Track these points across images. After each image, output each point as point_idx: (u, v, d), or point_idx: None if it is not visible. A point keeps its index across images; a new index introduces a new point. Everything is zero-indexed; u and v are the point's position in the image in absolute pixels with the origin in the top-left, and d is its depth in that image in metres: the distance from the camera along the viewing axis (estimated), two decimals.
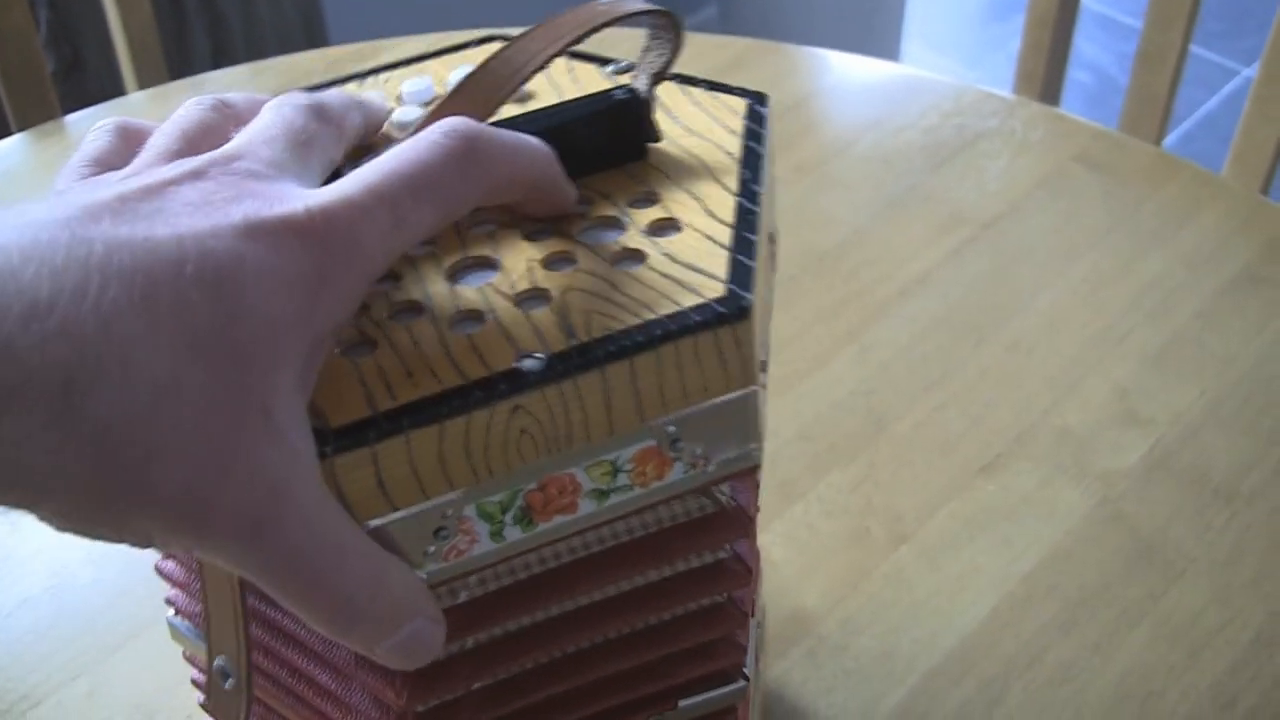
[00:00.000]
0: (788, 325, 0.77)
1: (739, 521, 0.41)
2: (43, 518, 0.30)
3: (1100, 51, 2.52)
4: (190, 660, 0.48)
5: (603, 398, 0.35)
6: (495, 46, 0.49)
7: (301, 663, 0.43)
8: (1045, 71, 1.15)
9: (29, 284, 0.28)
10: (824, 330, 0.78)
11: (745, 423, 0.38)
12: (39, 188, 0.94)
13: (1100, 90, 2.42)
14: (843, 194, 0.89)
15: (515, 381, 0.34)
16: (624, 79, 0.45)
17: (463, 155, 0.35)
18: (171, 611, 0.47)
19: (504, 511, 0.36)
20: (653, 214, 0.40)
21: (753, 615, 0.47)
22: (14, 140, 0.97)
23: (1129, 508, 0.68)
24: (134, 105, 1.02)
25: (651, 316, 0.36)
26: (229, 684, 0.43)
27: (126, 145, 0.38)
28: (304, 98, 0.39)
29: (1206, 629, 0.63)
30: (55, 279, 0.28)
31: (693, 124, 0.44)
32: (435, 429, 0.34)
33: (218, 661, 0.43)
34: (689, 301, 0.36)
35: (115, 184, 0.33)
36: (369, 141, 0.43)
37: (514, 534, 0.37)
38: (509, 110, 0.44)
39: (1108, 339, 0.77)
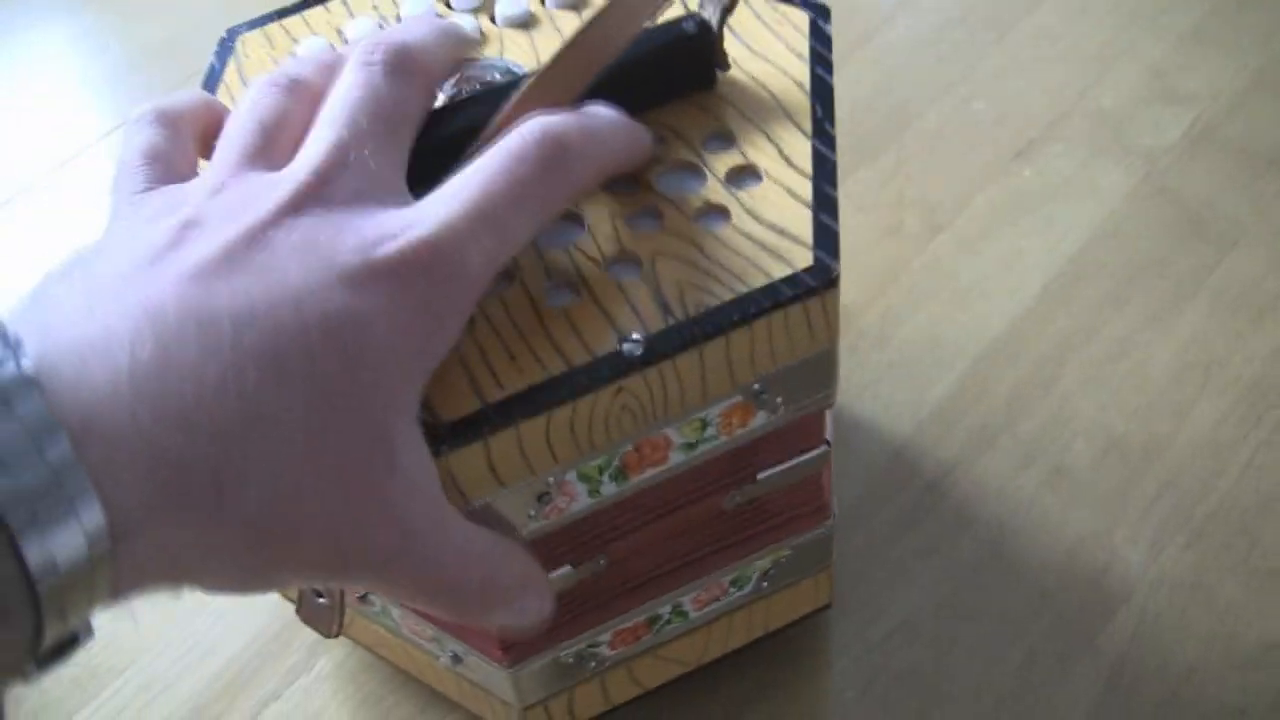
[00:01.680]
0: None
1: (812, 432, 0.42)
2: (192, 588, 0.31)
3: None
4: None
5: (699, 371, 0.36)
6: None
7: None
8: None
9: (174, 386, 0.28)
10: (837, 36, 0.73)
11: (825, 372, 0.39)
12: None
13: None
14: None
15: (617, 366, 0.35)
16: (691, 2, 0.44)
17: (558, 163, 0.34)
18: None
19: (602, 472, 0.37)
20: (730, 160, 0.40)
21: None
22: None
23: (1175, 182, 0.64)
24: None
25: (744, 289, 0.36)
26: (322, 600, 0.43)
27: (177, 135, 0.37)
28: (385, 51, 0.36)
29: (1268, 294, 0.59)
30: (197, 375, 0.28)
31: (758, 44, 0.43)
32: (543, 417, 0.35)
33: None
34: (779, 272, 0.36)
35: (213, 226, 0.32)
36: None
37: (610, 489, 0.38)
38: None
39: (1137, 21, 0.72)
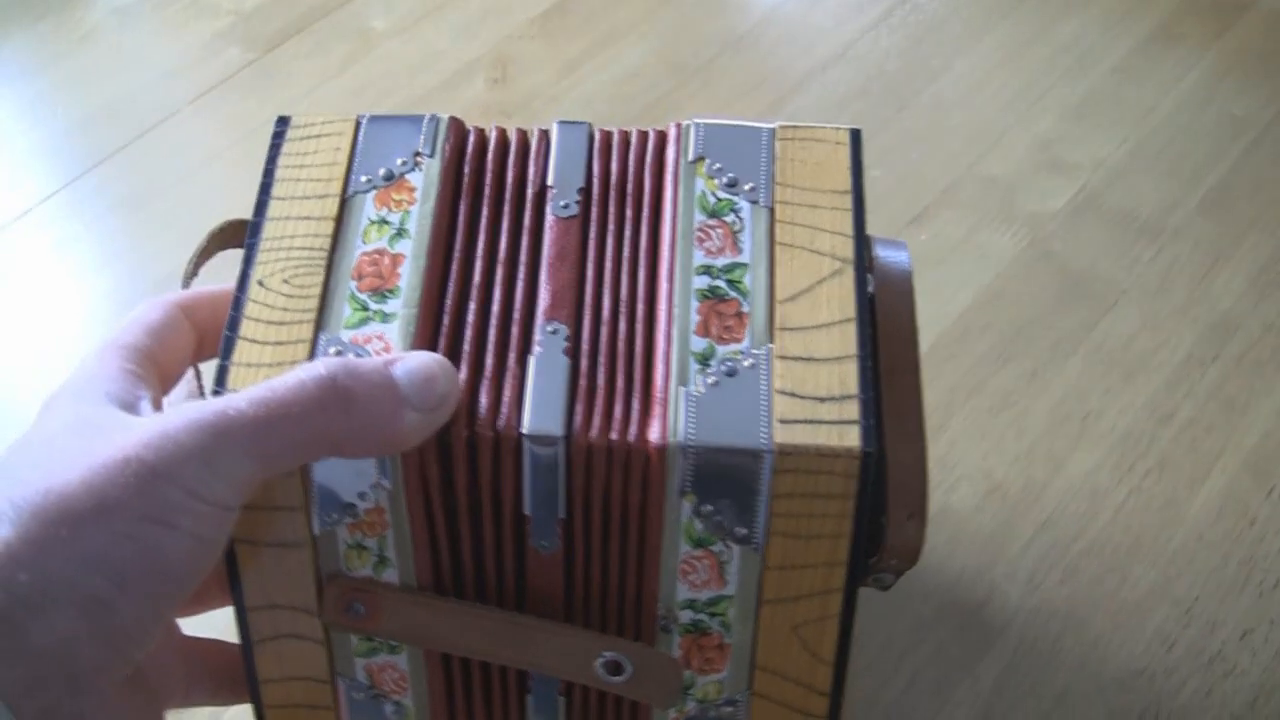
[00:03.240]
0: (710, 103, 0.77)
1: None
2: None
3: None
4: None
5: None
6: None
7: None
8: None
9: None
10: (747, 104, 0.77)
11: None
12: None
13: None
14: None
15: None
16: None
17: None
18: None
19: None
20: None
21: None
22: None
23: (1058, 247, 0.68)
24: None
25: None
26: None
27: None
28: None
29: (1140, 351, 0.64)
30: None
31: None
32: None
33: None
34: None
35: None
36: None
37: None
38: None
39: (1027, 96, 0.77)
